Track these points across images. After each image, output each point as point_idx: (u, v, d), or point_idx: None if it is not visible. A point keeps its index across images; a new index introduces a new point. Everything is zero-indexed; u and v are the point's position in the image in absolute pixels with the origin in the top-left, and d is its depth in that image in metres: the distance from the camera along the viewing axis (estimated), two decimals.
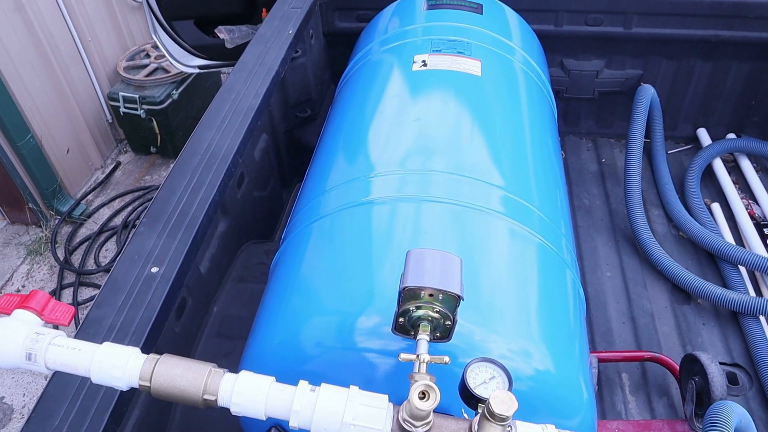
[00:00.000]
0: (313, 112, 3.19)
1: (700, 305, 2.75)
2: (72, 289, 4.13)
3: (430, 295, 1.16)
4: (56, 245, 4.42)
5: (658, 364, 2.49)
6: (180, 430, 2.08)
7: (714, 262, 2.92)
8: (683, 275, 2.74)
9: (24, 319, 1.14)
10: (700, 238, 2.92)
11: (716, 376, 2.03)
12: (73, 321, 3.70)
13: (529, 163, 2.05)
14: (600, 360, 2.38)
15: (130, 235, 1.78)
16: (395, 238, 1.63)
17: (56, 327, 1.34)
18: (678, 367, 2.32)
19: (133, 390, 1.62)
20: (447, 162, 1.86)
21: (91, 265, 4.30)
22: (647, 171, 3.38)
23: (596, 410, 1.66)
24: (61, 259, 4.30)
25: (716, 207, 3.19)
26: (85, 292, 4.12)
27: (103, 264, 4.29)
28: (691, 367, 2.13)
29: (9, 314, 1.15)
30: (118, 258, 1.76)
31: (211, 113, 2.23)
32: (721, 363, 2.11)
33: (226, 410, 2.18)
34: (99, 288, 3.39)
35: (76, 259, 4.36)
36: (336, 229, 1.74)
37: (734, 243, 2.92)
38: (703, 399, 2.06)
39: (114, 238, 4.47)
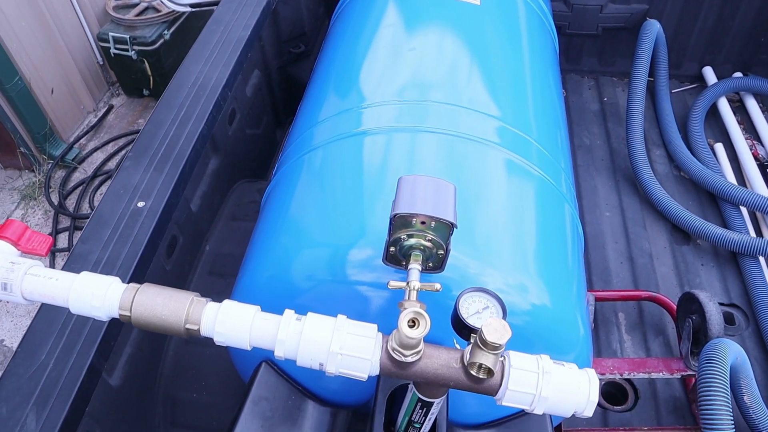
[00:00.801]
0: (306, 47, 3.09)
1: (699, 246, 2.72)
2: (67, 233, 4.10)
3: (423, 222, 1.11)
4: (50, 190, 4.36)
5: (654, 305, 2.47)
6: (173, 368, 2.08)
7: (715, 202, 2.88)
8: (683, 215, 2.70)
9: None
10: (702, 178, 2.87)
11: (714, 314, 2.01)
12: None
13: (529, 96, 1.97)
14: (597, 299, 2.37)
15: (116, 170, 1.73)
16: (388, 169, 1.58)
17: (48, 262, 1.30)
18: (675, 307, 2.30)
19: (120, 325, 1.60)
20: (443, 93, 1.79)
21: (86, 209, 4.25)
22: (650, 110, 3.31)
23: (592, 347, 1.64)
24: (56, 203, 4.25)
25: (719, 147, 3.13)
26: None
27: None
28: (689, 306, 2.11)
29: None
30: (103, 194, 1.71)
31: (198, 46, 2.15)
32: (718, 303, 2.09)
33: (220, 350, 2.16)
34: None
35: (70, 203, 4.31)
36: (327, 161, 1.69)
37: (737, 183, 2.87)
38: (699, 337, 2.05)
39: (108, 182, 4.41)
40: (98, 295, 1.03)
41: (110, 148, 4.65)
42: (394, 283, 1.10)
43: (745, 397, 1.85)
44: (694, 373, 2.08)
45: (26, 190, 4.38)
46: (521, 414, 1.53)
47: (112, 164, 4.53)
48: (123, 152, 4.58)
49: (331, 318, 1.01)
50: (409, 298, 1.06)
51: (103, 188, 4.40)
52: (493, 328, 0.92)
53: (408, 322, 0.93)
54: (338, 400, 1.53)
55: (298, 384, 1.52)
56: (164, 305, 1.02)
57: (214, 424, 2.04)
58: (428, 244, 1.14)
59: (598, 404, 2.18)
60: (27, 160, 4.41)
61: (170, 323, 1.02)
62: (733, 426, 1.68)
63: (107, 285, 1.04)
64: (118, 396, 1.79)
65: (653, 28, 3.03)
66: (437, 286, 1.10)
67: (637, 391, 2.21)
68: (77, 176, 4.50)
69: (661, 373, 2.08)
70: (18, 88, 4.03)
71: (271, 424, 1.42)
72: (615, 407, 2.18)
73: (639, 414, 2.17)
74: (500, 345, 0.92)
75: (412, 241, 1.14)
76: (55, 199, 4.29)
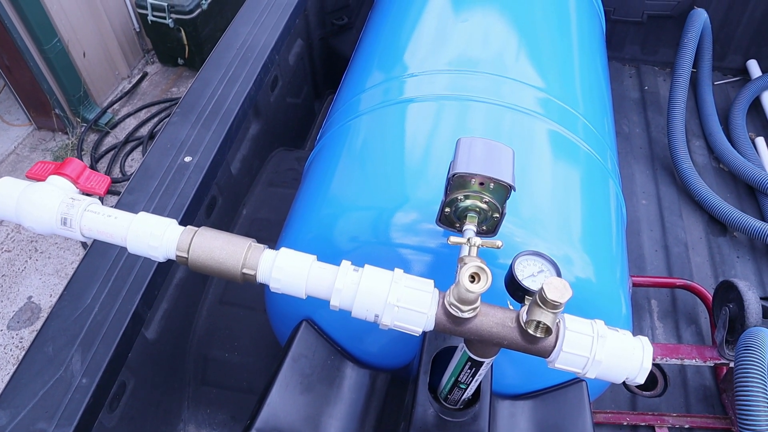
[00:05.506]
0: (349, 20, 3.08)
1: (736, 238, 2.68)
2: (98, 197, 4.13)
3: (481, 183, 1.10)
4: (82, 153, 4.41)
5: (688, 294, 2.45)
6: (206, 327, 2.10)
7: (753, 195, 2.84)
8: (721, 207, 2.67)
9: (59, 185, 1.11)
10: (741, 171, 2.83)
11: (752, 303, 1.98)
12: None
13: (576, 74, 1.95)
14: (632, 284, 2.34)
15: (163, 125, 1.74)
16: (435, 136, 1.57)
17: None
18: (710, 296, 2.27)
19: (164, 275, 1.61)
20: (492, 66, 1.78)
21: (116, 174, 4.29)
22: (690, 101, 3.25)
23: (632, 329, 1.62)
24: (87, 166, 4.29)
25: (761, 141, 3.08)
26: (110, 201, 4.13)
27: (128, 173, 4.28)
28: (726, 294, 2.08)
29: (44, 180, 1.12)
30: (150, 147, 1.72)
31: (247, 8, 2.14)
32: None
33: (252, 311, 2.17)
34: None
35: (101, 167, 4.35)
36: (373, 127, 1.68)
37: None
38: (735, 326, 2.02)
39: (140, 149, 4.44)
40: (156, 235, 1.03)
41: (143, 115, 4.68)
42: (455, 239, 1.10)
43: None
44: (727, 362, 2.05)
45: (59, 151, 4.43)
46: (557, 387, 1.52)
47: (144, 131, 4.56)
48: (155, 119, 4.61)
49: (388, 271, 1.01)
50: (469, 254, 1.05)
51: (135, 154, 4.44)
52: (554, 286, 0.92)
53: (469, 276, 0.92)
54: (377, 363, 1.54)
55: (338, 345, 1.53)
56: (222, 249, 1.02)
57: (243, 384, 2.05)
58: (484, 206, 1.13)
59: (627, 389, 2.18)
60: (61, 123, 4.45)
61: (227, 267, 1.02)
62: None
63: (165, 226, 1.05)
64: (153, 350, 1.81)
65: (701, 17, 2.97)
66: (498, 243, 1.09)
67: (667, 377, 2.20)
68: (109, 141, 4.54)
69: (693, 360, 2.05)
70: (56, 49, 4.07)
71: (309, 382, 1.43)
72: (644, 392, 2.17)
73: (668, 400, 2.15)
74: (560, 303, 0.91)
75: (468, 202, 1.14)
76: (86, 162, 4.33)
